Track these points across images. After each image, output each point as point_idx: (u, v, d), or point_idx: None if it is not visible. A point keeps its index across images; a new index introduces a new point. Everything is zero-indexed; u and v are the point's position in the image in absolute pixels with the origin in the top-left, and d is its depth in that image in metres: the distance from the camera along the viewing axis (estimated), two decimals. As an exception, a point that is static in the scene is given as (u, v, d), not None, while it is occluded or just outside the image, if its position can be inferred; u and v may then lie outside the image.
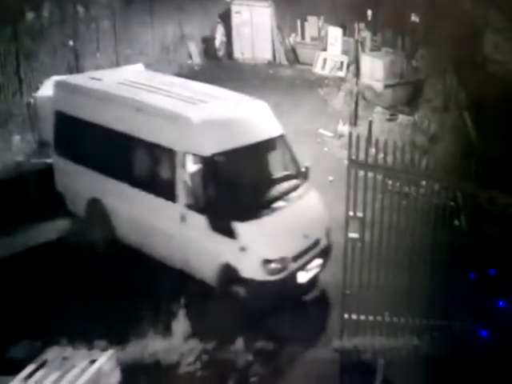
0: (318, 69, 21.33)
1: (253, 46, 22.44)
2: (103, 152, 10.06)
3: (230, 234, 8.38)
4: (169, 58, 20.80)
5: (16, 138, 13.87)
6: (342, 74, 20.67)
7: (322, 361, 8.03)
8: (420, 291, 8.23)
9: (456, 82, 15.07)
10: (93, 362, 6.83)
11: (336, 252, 8.96)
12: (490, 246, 8.28)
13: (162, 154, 9.18)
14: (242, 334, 8.25)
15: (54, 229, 10.82)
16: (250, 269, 8.32)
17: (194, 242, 8.77)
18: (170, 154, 8.99)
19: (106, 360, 6.93)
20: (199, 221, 8.66)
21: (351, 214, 8.02)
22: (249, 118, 9.61)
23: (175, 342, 8.20)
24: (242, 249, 8.31)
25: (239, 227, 8.36)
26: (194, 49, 22.01)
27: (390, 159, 7.98)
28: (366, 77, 18.68)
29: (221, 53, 22.62)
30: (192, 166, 8.98)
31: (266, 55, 22.45)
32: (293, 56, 22.53)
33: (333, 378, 7.92)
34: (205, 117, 9.01)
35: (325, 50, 21.54)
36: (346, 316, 8.32)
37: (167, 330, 8.28)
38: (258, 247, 8.36)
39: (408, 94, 17.92)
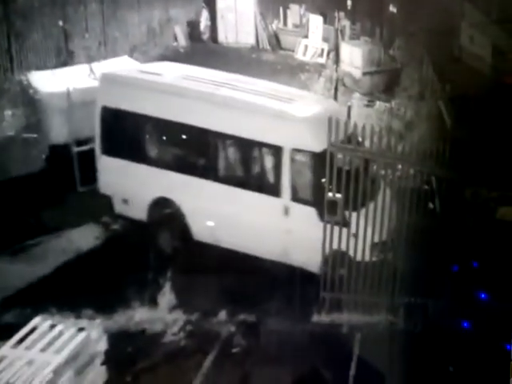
0: (299, 55, 21.65)
1: (237, 31, 22.60)
2: (177, 149, 9.66)
3: (343, 222, 8.49)
4: (155, 41, 20.94)
5: (7, 114, 13.52)
6: (322, 60, 21.02)
7: (300, 334, 8.29)
8: (396, 271, 8.54)
9: (432, 71, 15.44)
10: (80, 329, 6.93)
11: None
12: (466, 233, 8.75)
13: (263, 151, 9.01)
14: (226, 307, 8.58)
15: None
16: (361, 252, 8.48)
17: (299, 233, 8.82)
18: (274, 150, 8.86)
19: (92, 328, 7.07)
20: (306, 213, 8.75)
21: (330, 195, 8.32)
22: (336, 114, 9.28)
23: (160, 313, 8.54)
24: (354, 235, 8.48)
25: (353, 216, 8.46)
26: (180, 32, 22.15)
27: (367, 143, 8.33)
28: (346, 64, 19.12)
29: (205, 36, 22.80)
30: (300, 162, 8.93)
31: (250, 40, 22.65)
32: (275, 41, 22.82)
33: (311, 351, 8.10)
34: (310, 114, 9.07)
35: (306, 37, 21.86)
36: (324, 293, 8.61)
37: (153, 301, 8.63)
38: (367, 232, 8.51)
39: (385, 81, 18.35)
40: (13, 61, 15.18)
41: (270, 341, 8.29)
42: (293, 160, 8.89)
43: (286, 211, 8.99)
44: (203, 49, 21.64)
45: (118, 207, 10.25)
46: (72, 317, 7.81)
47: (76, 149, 11.23)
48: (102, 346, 7.15)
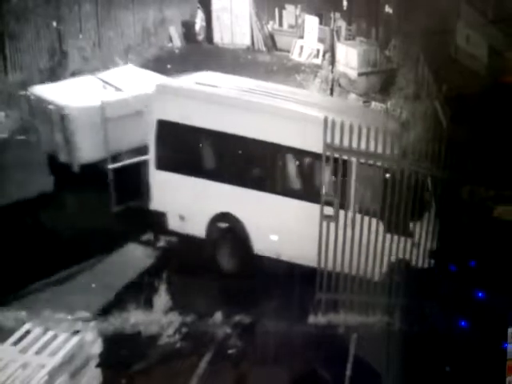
0: (295, 56, 21.66)
1: (232, 32, 22.58)
2: (239, 163, 9.46)
3: (406, 233, 8.66)
4: (149, 41, 20.91)
5: (1, 115, 13.36)
6: (318, 61, 21.04)
7: (297, 335, 8.33)
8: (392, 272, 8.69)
9: (428, 72, 15.45)
10: (75, 332, 6.95)
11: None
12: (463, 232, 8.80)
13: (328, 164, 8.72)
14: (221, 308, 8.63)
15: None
16: (421, 260, 8.76)
17: (362, 245, 8.75)
18: (341, 163, 8.55)
19: (87, 331, 7.09)
20: (369, 224, 8.68)
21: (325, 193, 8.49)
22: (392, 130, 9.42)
23: (156, 315, 8.54)
24: (416, 244, 8.72)
25: (416, 226, 8.72)
26: (175, 32, 22.12)
27: (363, 143, 8.39)
28: (341, 65, 19.08)
29: (200, 37, 22.77)
30: (366, 174, 8.85)
31: (245, 41, 22.64)
32: (271, 42, 22.81)
33: (307, 352, 8.15)
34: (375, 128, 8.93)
35: (302, 37, 21.86)
36: (321, 293, 8.70)
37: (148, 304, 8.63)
38: (428, 241, 8.79)
39: (381, 82, 18.35)
40: (6, 60, 15.10)
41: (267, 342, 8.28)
42: (359, 172, 8.79)
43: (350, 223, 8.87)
44: (198, 50, 21.63)
45: (173, 224, 9.97)
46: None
47: (111, 166, 10.67)
48: (97, 348, 7.07)
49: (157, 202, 9.98)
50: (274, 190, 9.25)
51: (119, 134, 10.43)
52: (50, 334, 6.82)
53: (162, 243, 10.37)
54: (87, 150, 10.70)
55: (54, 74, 16.39)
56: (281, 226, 9.23)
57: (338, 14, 21.31)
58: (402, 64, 18.02)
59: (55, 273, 9.23)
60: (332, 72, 18.57)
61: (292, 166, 9.25)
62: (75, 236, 9.95)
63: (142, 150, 10.40)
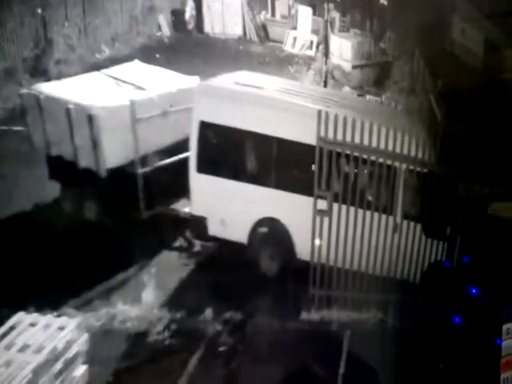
0: (288, 47, 21.48)
1: (223, 21, 22.35)
2: (285, 166, 9.26)
3: (443, 237, 8.85)
4: (138, 29, 20.60)
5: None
6: (311, 53, 20.87)
7: (290, 332, 8.29)
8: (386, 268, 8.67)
9: (423, 65, 15.35)
10: (61, 328, 6.71)
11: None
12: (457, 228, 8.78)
13: (376, 169, 8.67)
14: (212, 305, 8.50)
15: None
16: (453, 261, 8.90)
17: (404, 250, 8.80)
18: (389, 169, 8.61)
19: (74, 327, 6.81)
20: (413, 229, 8.75)
21: (319, 188, 8.39)
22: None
23: (144, 311, 8.38)
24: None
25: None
26: (164, 21, 21.83)
27: (357, 137, 8.30)
28: (335, 57, 18.93)
29: (190, 26, 22.48)
30: (412, 180, 8.87)
31: (237, 31, 22.41)
32: (263, 33, 22.57)
33: (301, 348, 8.10)
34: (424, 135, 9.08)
35: (295, 28, 21.67)
36: (314, 290, 8.65)
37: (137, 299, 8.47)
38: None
39: (375, 74, 18.26)
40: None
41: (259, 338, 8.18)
42: (407, 178, 8.76)
43: (395, 228, 8.79)
44: (188, 39, 21.44)
45: (214, 229, 9.70)
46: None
47: (141, 170, 10.11)
48: (84, 345, 6.87)
49: (197, 207, 9.73)
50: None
51: (147, 135, 9.96)
52: (35, 330, 6.60)
53: (197, 249, 10.14)
54: (114, 153, 9.92)
55: (38, 62, 16.13)
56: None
57: (331, 5, 21.09)
58: (396, 57, 17.94)
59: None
60: (326, 64, 18.36)
61: (337, 171, 8.87)
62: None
63: (169, 151, 10.17)
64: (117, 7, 19.91)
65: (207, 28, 22.57)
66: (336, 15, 21.05)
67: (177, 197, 10.10)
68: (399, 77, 16.96)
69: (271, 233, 9.45)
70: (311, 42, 21.13)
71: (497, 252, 8.42)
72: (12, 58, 15.47)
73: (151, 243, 9.82)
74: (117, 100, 10.07)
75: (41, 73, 15.88)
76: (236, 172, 9.51)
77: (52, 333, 6.59)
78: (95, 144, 9.75)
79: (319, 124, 8.18)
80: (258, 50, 21.30)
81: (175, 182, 9.90)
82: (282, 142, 9.11)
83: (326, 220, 8.52)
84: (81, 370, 6.77)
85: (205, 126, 9.38)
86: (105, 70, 11.37)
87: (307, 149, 8.70)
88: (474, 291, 8.35)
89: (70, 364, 6.60)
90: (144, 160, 10.17)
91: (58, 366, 6.40)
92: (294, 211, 9.15)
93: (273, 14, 22.90)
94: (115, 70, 11.41)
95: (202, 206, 9.68)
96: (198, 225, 9.74)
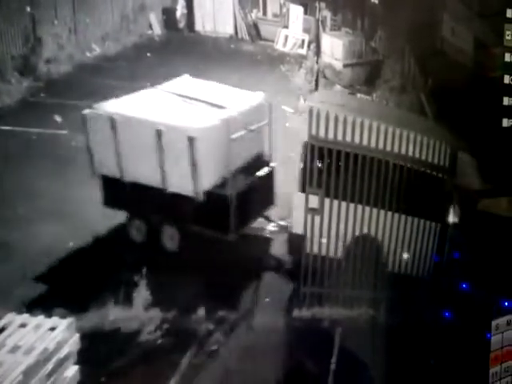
0: (279, 45, 21.43)
1: (214, 20, 22.26)
2: (381, 185, 9.40)
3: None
4: (128, 28, 20.47)
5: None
6: (303, 51, 20.84)
7: (281, 329, 8.37)
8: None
9: (413, 63, 15.41)
10: (52, 329, 6.73)
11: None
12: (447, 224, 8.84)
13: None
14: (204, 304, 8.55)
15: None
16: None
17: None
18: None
19: (65, 327, 6.83)
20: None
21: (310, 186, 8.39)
22: None
23: (136, 311, 8.43)
24: None
25: None
26: (155, 19, 21.73)
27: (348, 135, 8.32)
28: (326, 55, 18.90)
29: (181, 25, 22.39)
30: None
31: (228, 29, 22.32)
32: (255, 32, 22.53)
33: (292, 346, 8.21)
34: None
35: (286, 27, 21.63)
36: (305, 288, 8.72)
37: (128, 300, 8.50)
38: None
39: (366, 73, 18.24)
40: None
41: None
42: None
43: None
44: (179, 38, 21.26)
45: (312, 247, 9.74)
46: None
47: (233, 191, 9.90)
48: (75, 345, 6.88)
49: (297, 225, 9.80)
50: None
51: (233, 155, 9.90)
52: (25, 330, 6.58)
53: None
54: (209, 175, 9.78)
55: (28, 60, 16.01)
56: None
57: (323, 4, 21.12)
58: (387, 56, 17.98)
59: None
60: (317, 63, 18.40)
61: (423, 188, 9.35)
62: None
63: (245, 170, 10.19)
64: (107, 6, 19.69)
65: (198, 26, 22.44)
66: (327, 14, 20.96)
67: (257, 216, 10.17)
68: (390, 75, 17.03)
69: (366, 249, 9.62)
70: (303, 41, 21.09)
71: (487, 248, 8.50)
72: (0, 57, 15.31)
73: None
74: (208, 120, 9.79)
75: (30, 71, 15.78)
76: (335, 191, 9.49)
77: (43, 333, 6.60)
78: (195, 167, 9.49)
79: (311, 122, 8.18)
80: (250, 49, 21.21)
81: (255, 201, 9.98)
82: (380, 162, 9.25)
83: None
84: (72, 370, 6.79)
85: (309, 147, 9.40)
86: (160, 86, 10.93)
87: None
88: (464, 287, 8.51)
89: (61, 365, 6.63)
90: (227, 180, 10.01)
91: (49, 366, 6.41)
92: (389, 229, 9.48)
93: (264, 13, 22.80)
94: (171, 86, 10.99)
95: (303, 225, 9.66)
96: (297, 243, 9.77)
